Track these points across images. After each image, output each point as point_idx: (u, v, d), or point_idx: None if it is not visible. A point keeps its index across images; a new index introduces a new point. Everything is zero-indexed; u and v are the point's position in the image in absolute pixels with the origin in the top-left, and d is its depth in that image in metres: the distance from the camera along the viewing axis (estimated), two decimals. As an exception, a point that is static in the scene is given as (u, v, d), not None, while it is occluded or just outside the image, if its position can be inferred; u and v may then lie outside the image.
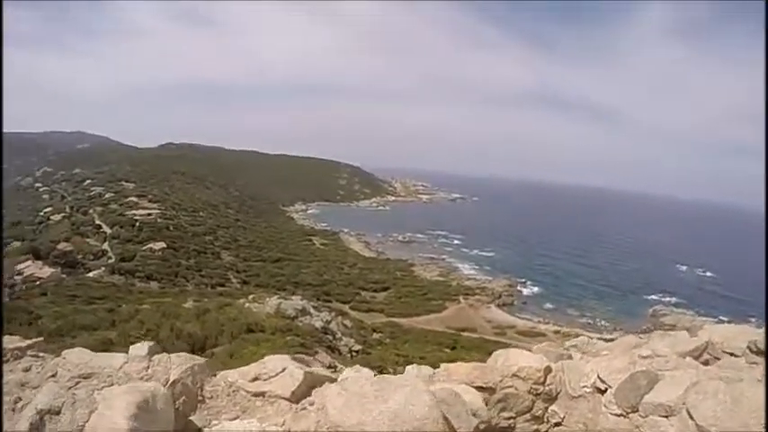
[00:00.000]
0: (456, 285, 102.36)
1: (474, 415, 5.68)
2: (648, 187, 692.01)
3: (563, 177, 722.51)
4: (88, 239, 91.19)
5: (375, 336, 66.38)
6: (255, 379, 5.58)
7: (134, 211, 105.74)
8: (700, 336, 8.14)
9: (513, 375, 7.06)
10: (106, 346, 22.51)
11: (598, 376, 6.65)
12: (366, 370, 6.82)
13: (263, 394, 5.15)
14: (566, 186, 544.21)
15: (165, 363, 4.99)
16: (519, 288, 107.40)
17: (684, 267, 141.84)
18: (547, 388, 7.14)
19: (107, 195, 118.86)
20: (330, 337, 34.04)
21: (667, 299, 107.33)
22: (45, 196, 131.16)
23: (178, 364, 5.05)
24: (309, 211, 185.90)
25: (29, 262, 74.28)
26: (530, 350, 8.19)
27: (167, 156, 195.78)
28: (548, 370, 7.30)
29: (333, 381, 5.82)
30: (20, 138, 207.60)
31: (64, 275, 72.62)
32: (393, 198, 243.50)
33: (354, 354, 35.61)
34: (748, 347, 7.15)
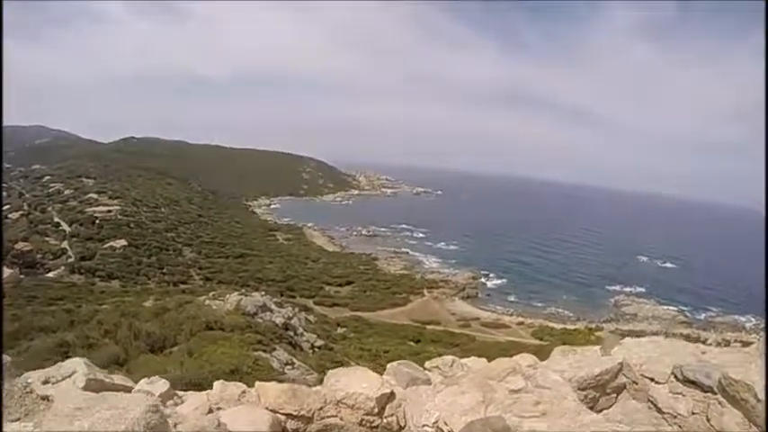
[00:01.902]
0: (420, 279, 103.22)
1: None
2: (617, 184, 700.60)
3: (531, 173, 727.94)
4: (47, 238, 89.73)
5: (339, 330, 66.77)
6: (46, 382, 5.59)
7: (94, 208, 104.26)
8: (614, 355, 7.38)
9: (340, 402, 6.18)
10: (64, 349, 22.61)
11: (441, 416, 5.58)
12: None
13: (47, 398, 4.77)
14: (533, 182, 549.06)
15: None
16: (483, 281, 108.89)
17: (645, 259, 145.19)
18: (385, 421, 6.27)
19: (66, 192, 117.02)
20: (291, 333, 34.39)
21: (628, 289, 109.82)
22: (3, 194, 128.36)
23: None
24: (273, 206, 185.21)
25: (-16, 262, 72.90)
26: (383, 369, 7.32)
27: (128, 151, 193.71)
28: (387, 398, 6.40)
29: (129, 389, 5.89)
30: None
31: (22, 276, 71.41)
32: (357, 192, 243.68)
33: (316, 349, 36.01)
34: (674, 374, 6.53)
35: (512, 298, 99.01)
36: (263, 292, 47.30)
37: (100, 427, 3.60)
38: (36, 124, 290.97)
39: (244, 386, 6.21)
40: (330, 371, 6.86)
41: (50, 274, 75.29)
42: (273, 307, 38.52)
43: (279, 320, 35.47)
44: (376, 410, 6.17)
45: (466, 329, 78.66)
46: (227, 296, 36.13)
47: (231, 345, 21.58)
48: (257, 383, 6.23)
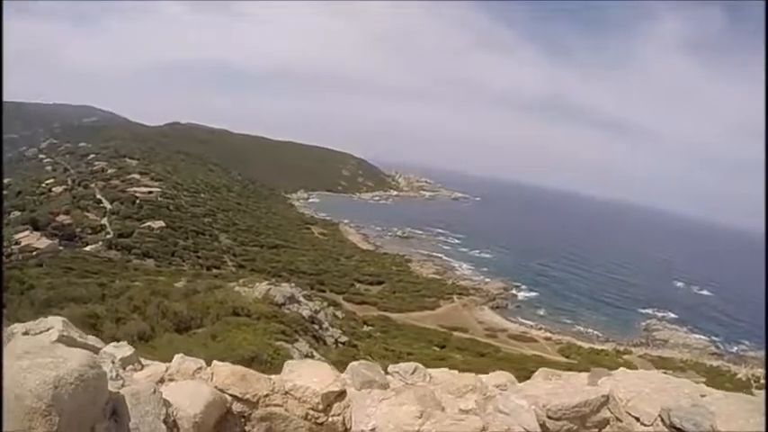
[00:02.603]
0: (451, 284, 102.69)
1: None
2: (660, 202, 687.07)
3: (571, 186, 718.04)
4: (88, 213, 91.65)
5: (366, 328, 66.77)
6: (26, 333, 5.51)
7: (135, 188, 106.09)
8: (600, 386, 6.76)
9: (287, 393, 6.03)
10: (92, 320, 22.90)
11: (377, 425, 5.46)
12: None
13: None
14: (573, 195, 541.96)
15: None
16: (514, 292, 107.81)
17: (681, 284, 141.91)
18: (331, 419, 6.05)
19: (110, 171, 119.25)
20: (316, 327, 34.37)
21: (661, 314, 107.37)
22: (48, 168, 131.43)
23: None
24: (311, 200, 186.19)
25: (27, 232, 74.72)
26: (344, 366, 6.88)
27: (173, 135, 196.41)
28: (336, 396, 6.14)
29: (97, 350, 5.73)
30: (28, 109, 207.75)
31: (61, 248, 73.05)
32: (396, 192, 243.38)
33: (340, 345, 35.92)
34: (660, 417, 5.85)
35: (541, 312, 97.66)
36: (292, 284, 47.45)
37: (36, 368, 3.83)
38: (86, 104, 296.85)
39: (202, 362, 6.10)
40: (290, 361, 6.69)
41: (88, 248, 76.81)
42: (302, 299, 38.59)
43: (305, 313, 35.48)
44: (321, 407, 5.99)
45: (492, 339, 78.05)
46: (257, 284, 36.26)
47: (255, 332, 21.59)
48: (213, 362, 6.15)
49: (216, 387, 5.74)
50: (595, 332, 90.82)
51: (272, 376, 6.17)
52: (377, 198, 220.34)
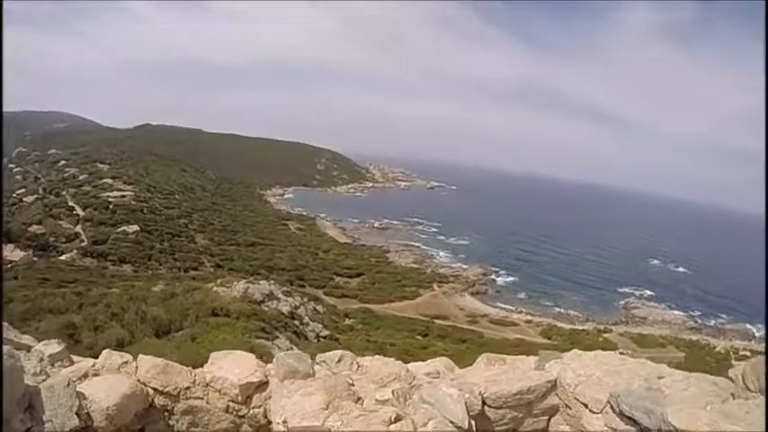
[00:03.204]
0: (430, 273, 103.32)
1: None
2: (635, 185, 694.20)
3: (546, 171, 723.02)
4: (61, 222, 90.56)
5: (347, 321, 67.04)
6: None
7: (108, 193, 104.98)
8: (548, 370, 6.52)
9: (208, 385, 6.01)
10: (70, 330, 22.88)
11: (286, 416, 5.33)
12: None
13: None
14: (547, 180, 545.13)
15: None
16: (493, 277, 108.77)
17: (658, 262, 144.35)
18: (252, 411, 6.03)
19: (81, 177, 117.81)
20: (297, 323, 34.60)
21: (639, 292, 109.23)
22: (18, 177, 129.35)
23: None
24: (286, 196, 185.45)
25: (0, 244, 73.67)
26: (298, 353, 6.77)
27: (144, 137, 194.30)
28: (256, 388, 6.12)
29: (29, 348, 5.97)
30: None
31: (35, 258, 72.17)
32: (371, 184, 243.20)
33: (321, 339, 36.19)
34: (609, 404, 5.44)
35: (521, 296, 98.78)
36: (271, 281, 47.58)
37: None
38: (54, 110, 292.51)
39: (129, 357, 6.10)
40: (215, 352, 6.58)
41: (63, 257, 76.01)
42: (281, 296, 38.76)
43: (285, 309, 35.71)
44: (240, 399, 5.95)
45: (474, 326, 78.82)
46: (235, 283, 36.37)
47: (233, 331, 21.77)
48: (139, 356, 6.12)
49: (138, 381, 5.73)
50: (575, 313, 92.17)
51: (196, 369, 6.09)
52: (352, 191, 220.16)
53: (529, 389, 6.11)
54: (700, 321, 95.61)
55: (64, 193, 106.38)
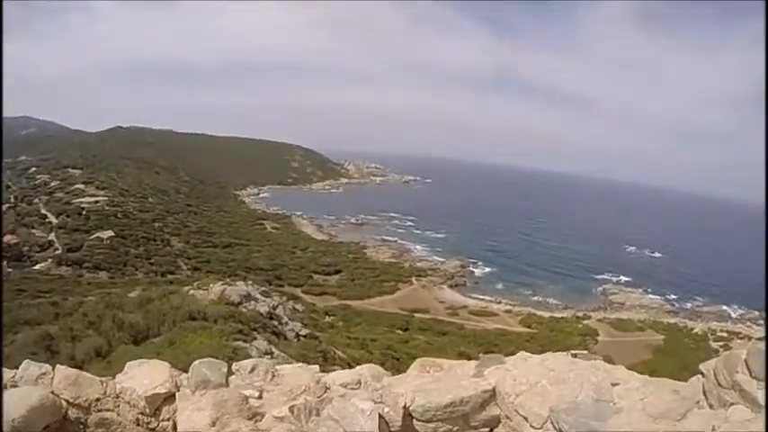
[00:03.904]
0: (408, 267, 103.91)
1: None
2: (608, 173, 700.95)
3: (521, 161, 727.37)
4: (34, 230, 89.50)
5: (327, 319, 67.24)
6: None
7: (81, 199, 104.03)
8: (487, 377, 6.04)
9: (118, 396, 5.81)
10: (47, 342, 22.83)
11: (183, 429, 5.16)
12: None
13: None
14: (522, 170, 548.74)
15: None
16: (471, 269, 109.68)
17: (633, 248, 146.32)
18: (161, 424, 5.81)
19: (53, 183, 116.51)
20: (275, 323, 34.75)
21: (616, 278, 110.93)
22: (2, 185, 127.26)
23: None
24: (262, 195, 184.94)
25: (-29, 255, 72.68)
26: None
27: (115, 140, 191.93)
28: (164, 399, 5.89)
29: None
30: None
31: (10, 269, 71.26)
32: (346, 180, 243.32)
33: (301, 338, 36.35)
34: (551, 420, 4.97)
35: (500, 286, 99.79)
36: (250, 282, 47.55)
37: None
38: (22, 115, 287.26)
39: (48, 368, 5.92)
40: (131, 362, 6.39)
41: (37, 267, 75.25)
42: (258, 296, 38.82)
43: (263, 309, 35.76)
44: (149, 411, 5.72)
45: (454, 318, 79.58)
46: (211, 286, 36.36)
47: (210, 335, 21.89)
48: (57, 366, 5.94)
49: (52, 392, 5.55)
50: (554, 301, 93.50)
51: (108, 379, 5.94)
52: (328, 187, 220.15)
53: (462, 400, 5.61)
54: (677, 305, 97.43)
55: (36, 200, 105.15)
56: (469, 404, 5.62)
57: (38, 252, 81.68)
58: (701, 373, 5.14)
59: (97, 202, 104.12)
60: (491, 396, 5.73)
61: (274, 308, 38.55)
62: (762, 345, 4.59)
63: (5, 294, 50.34)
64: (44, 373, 5.84)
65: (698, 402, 4.87)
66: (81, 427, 5.57)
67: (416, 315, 77.78)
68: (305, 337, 37.71)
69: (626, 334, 77.68)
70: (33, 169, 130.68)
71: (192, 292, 34.92)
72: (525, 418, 5.35)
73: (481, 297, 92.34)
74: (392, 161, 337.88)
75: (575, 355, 7.05)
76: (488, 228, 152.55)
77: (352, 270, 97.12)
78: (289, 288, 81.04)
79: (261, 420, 5.32)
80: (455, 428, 5.65)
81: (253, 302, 35.85)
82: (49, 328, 24.70)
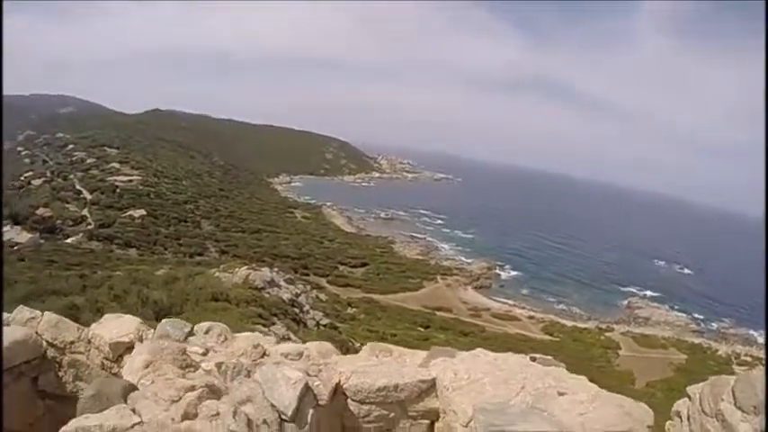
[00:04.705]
0: (435, 265, 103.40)
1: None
2: (642, 184, 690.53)
3: (553, 167, 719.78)
4: (68, 205, 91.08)
5: (350, 310, 67.27)
6: None
7: (115, 177, 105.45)
8: (432, 368, 6.08)
9: (89, 341, 6.31)
10: (72, 311, 23.13)
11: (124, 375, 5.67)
12: None
13: None
14: (554, 176, 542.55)
15: None
16: (497, 271, 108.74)
17: (663, 263, 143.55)
18: (121, 370, 6.19)
19: (89, 161, 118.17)
20: (297, 310, 34.83)
21: (643, 292, 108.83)
22: (26, 160, 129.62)
23: None
24: (293, 184, 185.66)
25: (8, 227, 74.16)
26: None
27: (153, 122, 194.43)
28: (127, 348, 6.33)
29: None
30: (3, 101, 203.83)
31: (42, 241, 72.63)
32: (378, 175, 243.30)
33: (322, 327, 36.41)
34: (474, 419, 4.88)
35: (524, 291, 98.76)
36: (275, 269, 47.80)
37: None
38: (60, 93, 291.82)
39: (38, 313, 6.50)
40: (109, 314, 6.97)
41: (69, 240, 76.45)
42: (282, 283, 39.03)
43: (286, 296, 35.96)
44: (112, 356, 6.24)
45: (476, 319, 78.92)
46: (237, 269, 36.57)
47: (230, 316, 21.95)
48: (45, 312, 6.56)
49: (36, 333, 6.13)
50: (578, 310, 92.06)
51: (85, 327, 6.51)
52: (359, 181, 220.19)
53: (397, 386, 5.63)
54: (702, 324, 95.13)
55: (71, 176, 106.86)
56: (405, 392, 5.65)
57: (71, 226, 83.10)
58: (689, 396, 5.04)
59: (131, 181, 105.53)
60: (430, 387, 5.73)
61: (297, 295, 38.71)
62: (756, 373, 4.39)
63: (37, 265, 51.35)
64: (33, 317, 6.46)
65: (649, 427, 4.70)
66: (56, 365, 6.14)
67: (438, 314, 77.36)
68: (325, 326, 37.81)
69: (648, 350, 76.25)
70: (71, 146, 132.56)
71: (217, 274, 35.22)
72: (455, 413, 5.32)
73: (505, 301, 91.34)
74: (424, 158, 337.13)
75: (534, 359, 6.97)
76: (517, 231, 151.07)
77: (379, 264, 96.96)
78: (314, 277, 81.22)
79: (192, 372, 5.65)
80: (391, 415, 5.67)
81: (276, 289, 36.03)
82: (76, 299, 25.09)
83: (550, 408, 4.96)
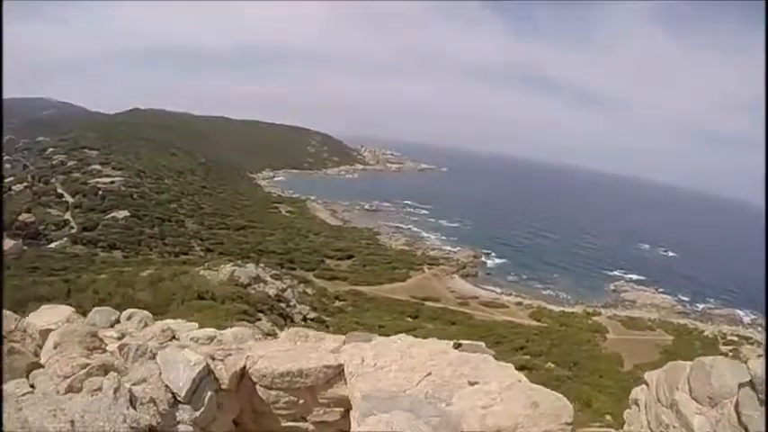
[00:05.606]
0: (421, 255, 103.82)
1: None
2: (627, 170, 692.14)
3: (537, 155, 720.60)
4: (50, 210, 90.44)
5: (337, 303, 67.44)
6: None
7: (97, 179, 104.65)
8: (341, 354, 5.94)
9: (24, 330, 6.59)
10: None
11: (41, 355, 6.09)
12: None
13: None
14: (540, 164, 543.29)
15: None
16: (483, 259, 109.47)
17: (647, 246, 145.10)
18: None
19: (70, 163, 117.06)
20: (283, 305, 34.98)
21: (629, 276, 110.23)
22: (7, 165, 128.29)
23: None
24: (277, 179, 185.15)
25: (-11, 234, 73.49)
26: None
27: (133, 122, 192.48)
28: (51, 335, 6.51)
29: None
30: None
31: (25, 247, 72.07)
32: (362, 167, 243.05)
33: (309, 321, 36.57)
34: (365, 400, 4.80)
35: (511, 278, 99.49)
36: (261, 264, 47.84)
37: None
38: (40, 96, 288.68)
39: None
40: (46, 305, 7.29)
41: (53, 245, 76.06)
42: (268, 278, 39.16)
43: (272, 292, 36.12)
44: (41, 343, 6.41)
45: (464, 308, 79.37)
46: (221, 267, 36.68)
47: (215, 314, 22.11)
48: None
49: None
50: (565, 295, 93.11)
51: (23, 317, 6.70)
52: (343, 173, 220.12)
53: (301, 371, 5.54)
54: (688, 306, 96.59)
55: (53, 180, 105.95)
56: (310, 377, 5.55)
57: (53, 230, 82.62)
58: (646, 384, 4.70)
59: (113, 182, 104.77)
60: (338, 374, 5.64)
61: (283, 290, 38.85)
62: (711, 360, 4.17)
63: (21, 272, 51.06)
64: None
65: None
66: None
67: (426, 303, 77.76)
68: (312, 320, 37.97)
69: (636, 332, 77.00)
70: (51, 150, 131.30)
71: (202, 272, 35.27)
72: (355, 400, 5.22)
73: (492, 288, 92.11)
74: (409, 149, 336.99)
75: (458, 345, 6.59)
76: (502, 219, 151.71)
77: (365, 256, 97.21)
78: (300, 272, 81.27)
79: (100, 354, 5.86)
80: (301, 401, 5.64)
81: (261, 284, 36.15)
82: (60, 305, 25.09)
83: (451, 398, 4.83)
